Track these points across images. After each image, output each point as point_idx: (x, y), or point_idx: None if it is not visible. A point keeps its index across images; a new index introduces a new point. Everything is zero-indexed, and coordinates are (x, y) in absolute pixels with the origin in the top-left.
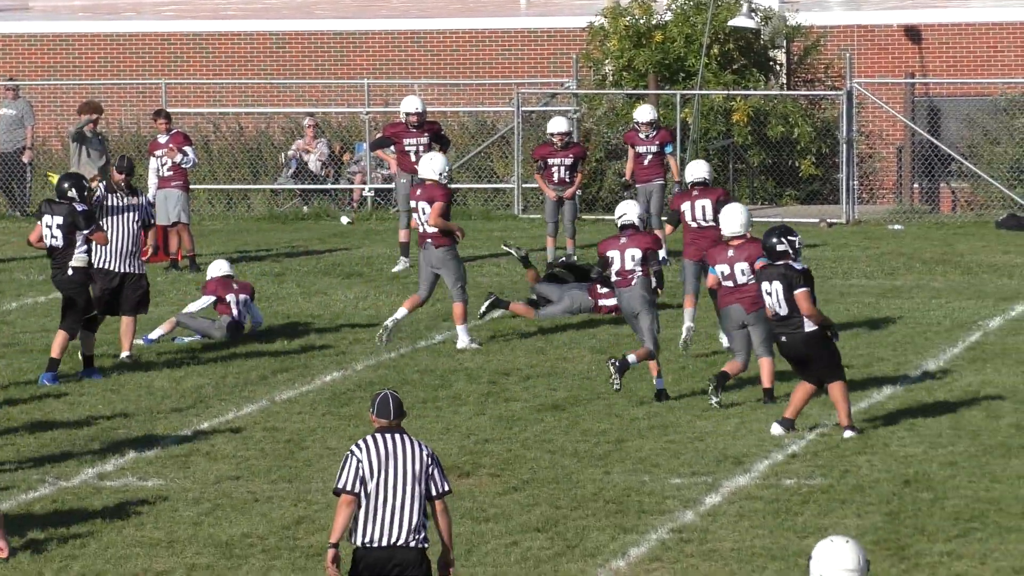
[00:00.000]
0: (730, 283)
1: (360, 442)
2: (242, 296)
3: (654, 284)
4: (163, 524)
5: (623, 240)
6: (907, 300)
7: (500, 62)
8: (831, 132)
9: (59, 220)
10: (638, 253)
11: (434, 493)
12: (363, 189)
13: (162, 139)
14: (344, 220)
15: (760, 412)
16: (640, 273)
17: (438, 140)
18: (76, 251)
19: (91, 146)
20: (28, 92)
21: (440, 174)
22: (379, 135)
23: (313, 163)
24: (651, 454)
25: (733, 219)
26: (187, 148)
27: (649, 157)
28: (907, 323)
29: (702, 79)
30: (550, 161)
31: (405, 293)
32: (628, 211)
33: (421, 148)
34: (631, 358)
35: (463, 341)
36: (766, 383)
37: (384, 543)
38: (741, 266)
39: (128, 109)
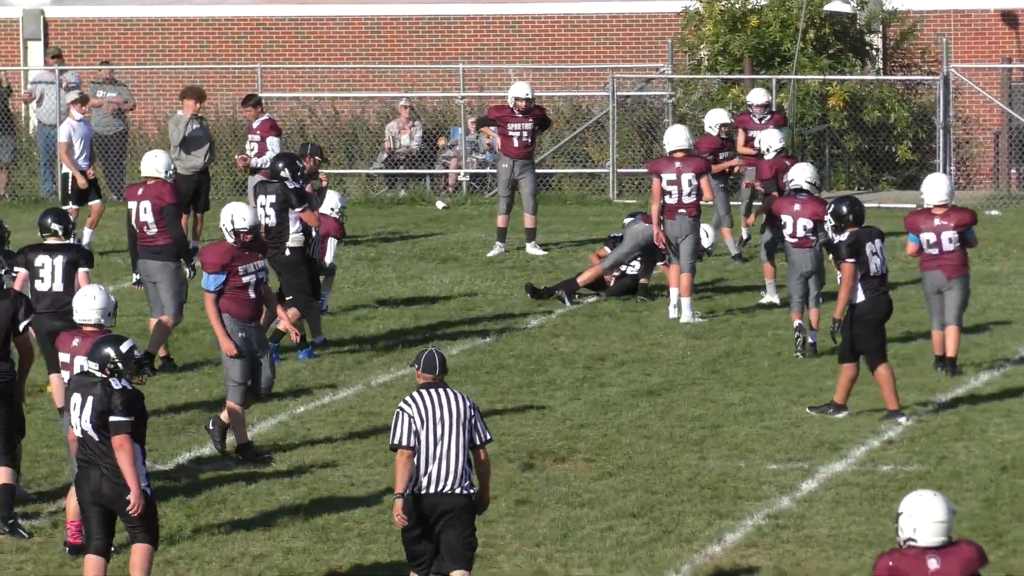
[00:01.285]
0: (935, 251)
1: (408, 398)
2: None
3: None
4: (260, 508)
5: (797, 207)
6: (1004, 286)
7: (595, 47)
8: (927, 117)
9: (271, 199)
10: (809, 223)
11: (477, 442)
12: (458, 174)
13: (254, 124)
14: (439, 205)
15: (858, 398)
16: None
17: (542, 125)
18: (291, 232)
19: (193, 132)
20: (124, 76)
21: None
22: (484, 115)
23: (409, 143)
24: (747, 440)
25: (939, 188)
26: (273, 139)
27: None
28: (1004, 309)
29: (798, 64)
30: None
31: (500, 278)
32: (797, 175)
33: (525, 134)
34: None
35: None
36: (951, 352)
37: (432, 490)
38: (949, 234)
39: (224, 94)
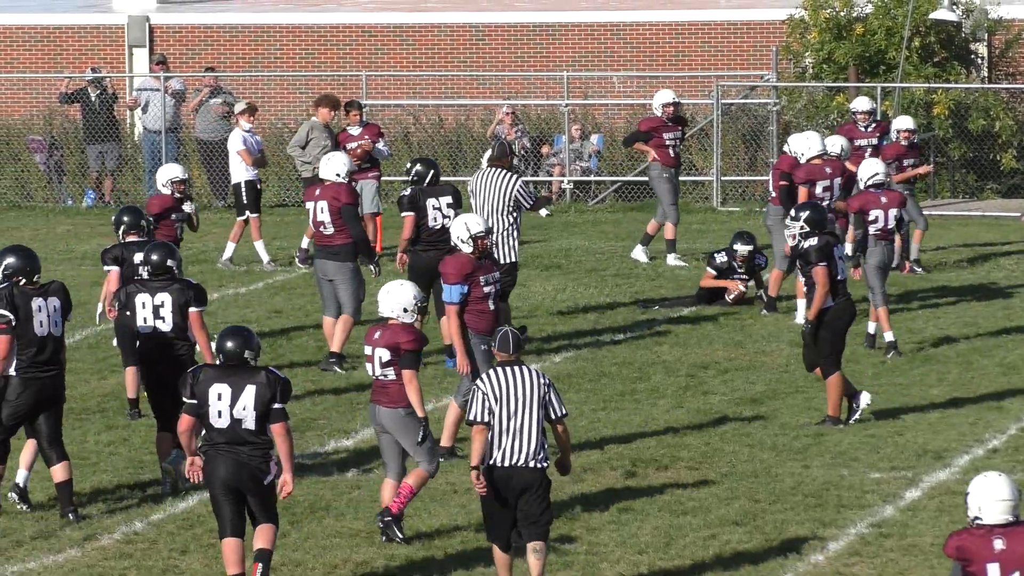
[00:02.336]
0: None
1: (484, 376)
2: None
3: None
4: (362, 515)
5: (884, 199)
6: None
7: (700, 54)
8: None
9: (447, 200)
10: (898, 212)
11: (552, 417)
12: (562, 181)
13: (353, 131)
14: (543, 212)
15: (961, 407)
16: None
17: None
18: None
19: (321, 138)
20: (229, 83)
21: None
22: (634, 130)
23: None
24: (850, 448)
25: None
26: (380, 143)
27: (869, 150)
28: None
29: (903, 72)
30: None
31: (603, 285)
32: (878, 169)
33: (678, 142)
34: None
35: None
36: None
37: (507, 463)
38: None
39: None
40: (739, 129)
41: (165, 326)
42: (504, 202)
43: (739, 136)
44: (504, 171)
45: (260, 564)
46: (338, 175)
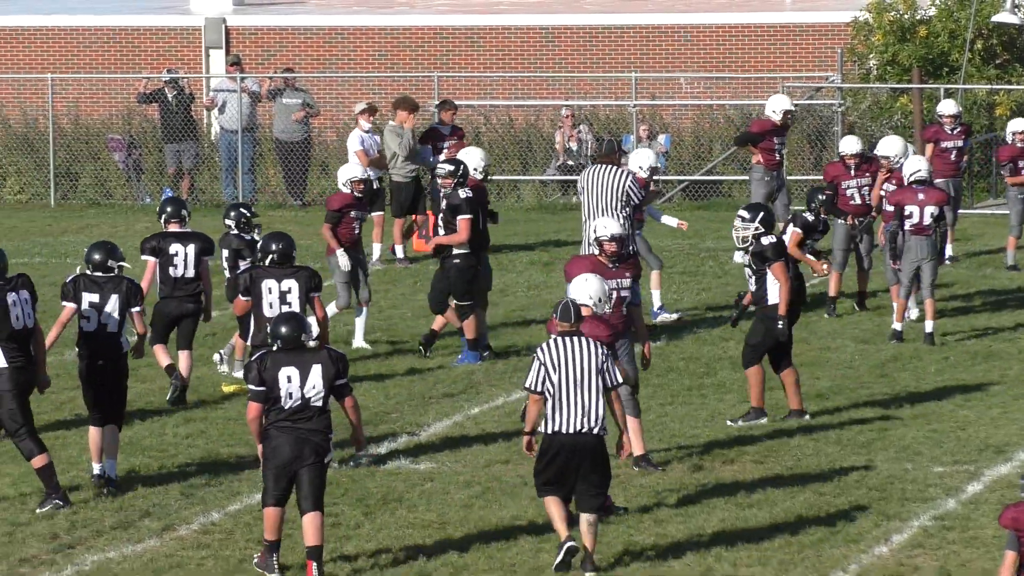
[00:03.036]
0: None
1: (544, 345)
2: None
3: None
4: (435, 506)
5: (921, 196)
6: None
7: (766, 56)
8: None
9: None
10: (936, 210)
11: (609, 385)
12: None
13: (444, 130)
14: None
15: (1022, 402)
16: (936, 227)
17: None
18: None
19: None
20: (304, 84)
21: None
22: (746, 130)
23: (578, 148)
24: (913, 442)
25: None
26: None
27: (955, 152)
28: None
29: (965, 74)
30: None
31: (669, 282)
32: (921, 166)
33: (783, 146)
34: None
35: None
36: None
37: (567, 430)
38: None
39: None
40: (804, 129)
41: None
42: (616, 197)
43: (804, 136)
44: (614, 167)
45: (314, 563)
46: (475, 170)
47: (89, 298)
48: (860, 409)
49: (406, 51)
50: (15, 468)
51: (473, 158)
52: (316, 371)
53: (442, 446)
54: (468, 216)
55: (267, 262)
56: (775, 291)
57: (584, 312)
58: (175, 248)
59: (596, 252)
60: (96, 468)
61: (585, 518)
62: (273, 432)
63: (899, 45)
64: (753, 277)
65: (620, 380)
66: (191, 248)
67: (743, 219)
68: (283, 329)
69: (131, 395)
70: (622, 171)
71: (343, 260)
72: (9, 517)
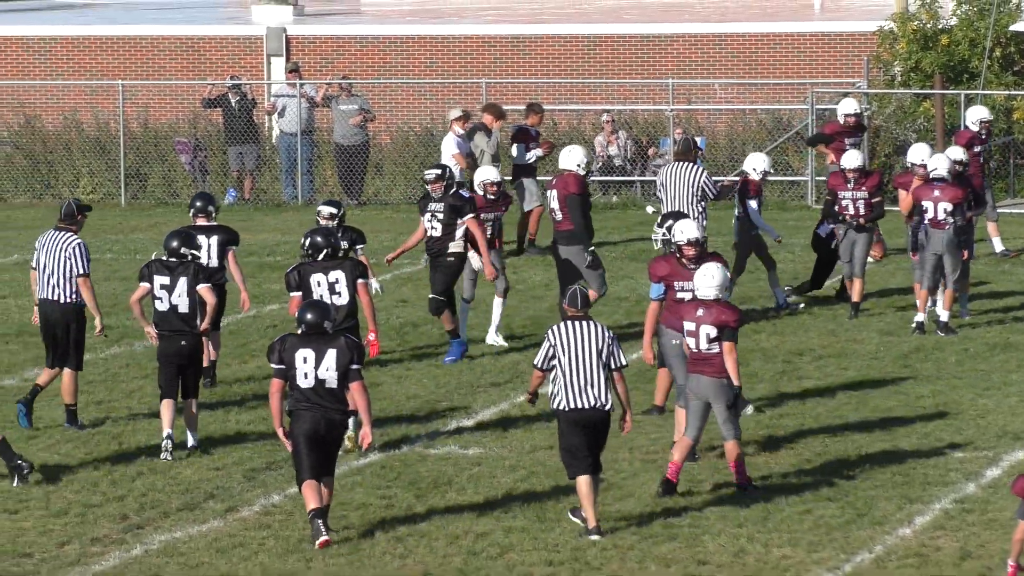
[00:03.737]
0: None
1: (554, 328)
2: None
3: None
4: (482, 489)
5: (936, 192)
6: None
7: (795, 63)
8: None
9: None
10: (950, 206)
11: (613, 366)
12: None
13: (531, 131)
14: (649, 209)
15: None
16: (952, 221)
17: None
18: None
19: (484, 143)
20: (360, 90)
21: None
22: (819, 131)
23: (618, 152)
24: (935, 430)
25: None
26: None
27: (982, 156)
28: None
29: (984, 80)
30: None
31: None
32: (940, 165)
33: (856, 146)
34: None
35: None
36: None
37: (576, 406)
38: None
39: (450, 106)
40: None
41: (341, 300)
42: (691, 192)
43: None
44: (690, 164)
45: (320, 520)
46: (578, 165)
47: (160, 280)
48: (885, 398)
49: (456, 59)
50: (88, 451)
51: (576, 155)
52: (331, 355)
53: (489, 432)
54: (473, 215)
55: (308, 256)
56: None
57: (707, 301)
58: (200, 240)
59: (674, 252)
60: (166, 431)
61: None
62: (296, 410)
63: (922, 53)
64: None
65: (624, 363)
66: (215, 239)
67: (658, 224)
68: (308, 316)
69: None
70: (697, 168)
71: (475, 261)
72: (81, 499)
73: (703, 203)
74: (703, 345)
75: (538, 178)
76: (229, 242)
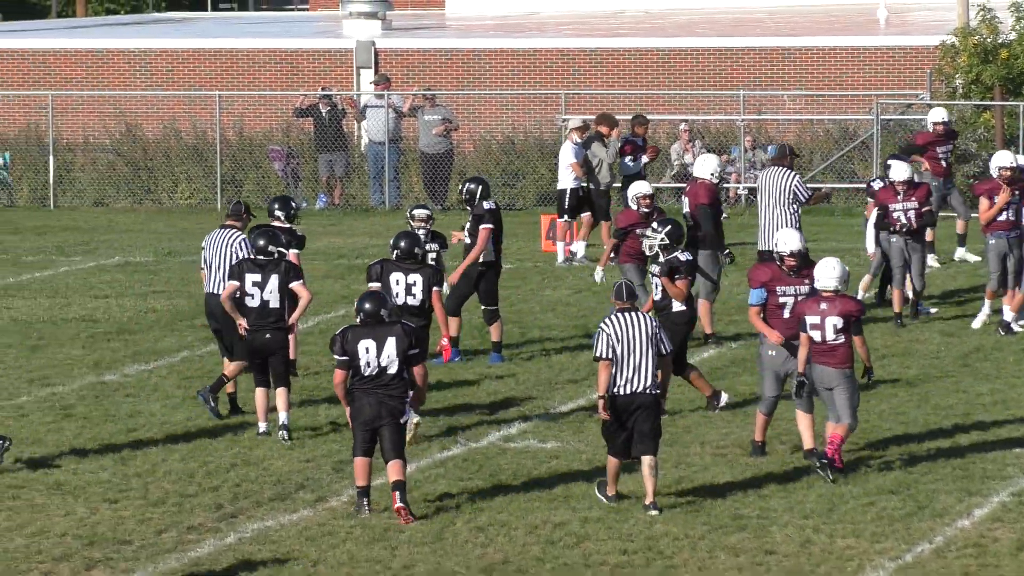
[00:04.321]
0: None
1: (606, 320)
2: None
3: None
4: (560, 481)
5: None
6: None
7: (861, 75)
8: None
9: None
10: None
11: (662, 352)
12: (738, 187)
13: (638, 140)
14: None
15: None
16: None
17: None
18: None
19: (600, 151)
20: (444, 101)
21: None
22: (911, 142)
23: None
24: (993, 426)
25: None
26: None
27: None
28: None
29: None
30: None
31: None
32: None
33: (948, 154)
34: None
35: None
36: None
37: (628, 391)
38: None
39: (531, 116)
40: (896, 142)
41: (414, 301)
42: (784, 195)
43: (896, 148)
44: (784, 169)
45: (398, 492)
46: (711, 175)
47: (252, 278)
48: (945, 396)
49: (536, 71)
50: (185, 444)
51: (710, 164)
52: (391, 343)
53: (566, 427)
54: (489, 226)
55: (395, 256)
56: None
57: (827, 295)
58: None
59: (777, 261)
60: (262, 427)
61: (645, 461)
62: (357, 395)
63: (982, 66)
64: (660, 286)
65: (669, 348)
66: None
67: (653, 229)
68: (367, 305)
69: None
70: (790, 173)
71: (597, 275)
72: (178, 489)
73: (795, 205)
74: (829, 336)
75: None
76: (289, 244)
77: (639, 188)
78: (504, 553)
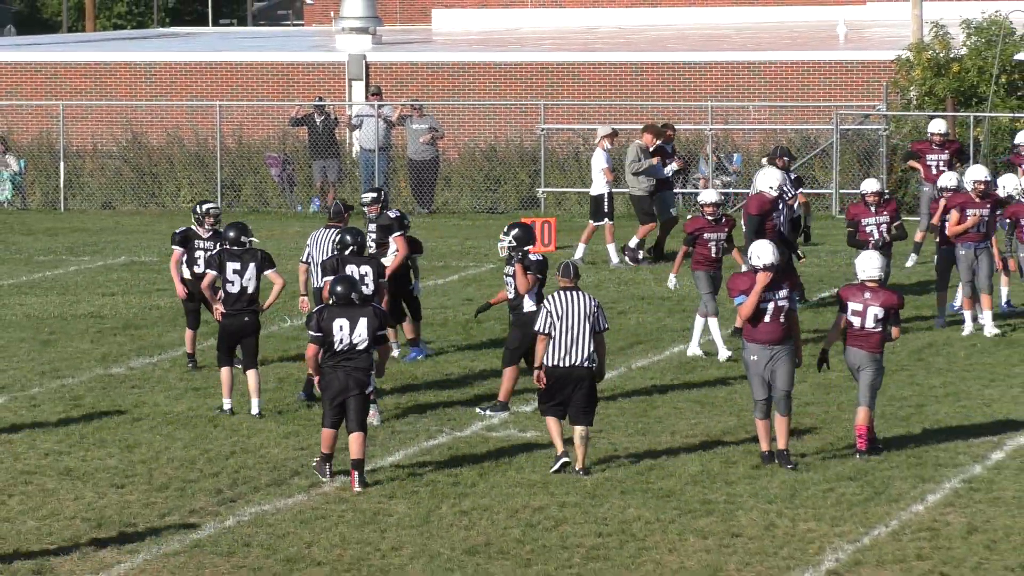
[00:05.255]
0: None
1: (550, 296)
2: None
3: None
4: (539, 468)
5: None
6: None
7: (822, 88)
8: None
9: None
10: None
11: (597, 330)
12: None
13: (667, 147)
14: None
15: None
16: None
17: (959, 156)
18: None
19: (642, 158)
20: (431, 111)
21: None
22: (909, 148)
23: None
24: (946, 417)
25: None
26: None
27: (936, 166)
28: None
29: (991, 104)
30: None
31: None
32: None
33: (941, 163)
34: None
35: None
36: None
37: (565, 364)
38: None
39: (512, 125)
40: (854, 150)
41: (367, 290)
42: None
43: (854, 156)
44: (775, 169)
45: (356, 472)
46: (770, 188)
47: (232, 266)
48: (900, 388)
49: (517, 83)
50: (187, 433)
51: (769, 178)
52: (363, 323)
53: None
54: (400, 233)
55: (347, 252)
56: (531, 301)
57: (871, 285)
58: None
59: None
60: (227, 404)
61: (577, 431)
62: (327, 369)
63: (935, 79)
64: (512, 284)
65: (606, 327)
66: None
67: (504, 233)
68: (339, 288)
69: (282, 372)
70: (780, 173)
71: (670, 282)
72: (180, 475)
73: (781, 202)
74: (869, 324)
75: (674, 190)
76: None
77: (704, 197)
78: (487, 536)
